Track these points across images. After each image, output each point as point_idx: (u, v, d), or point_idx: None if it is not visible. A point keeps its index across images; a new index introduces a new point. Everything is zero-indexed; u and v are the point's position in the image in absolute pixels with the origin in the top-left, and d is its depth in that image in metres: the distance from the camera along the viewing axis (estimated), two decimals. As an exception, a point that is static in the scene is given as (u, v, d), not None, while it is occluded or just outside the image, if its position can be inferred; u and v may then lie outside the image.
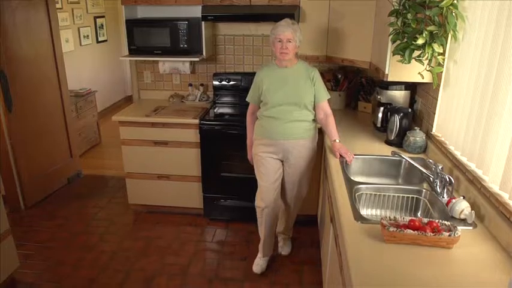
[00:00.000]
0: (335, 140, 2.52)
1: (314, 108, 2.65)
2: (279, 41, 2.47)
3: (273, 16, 3.11)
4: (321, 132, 2.87)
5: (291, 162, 2.70)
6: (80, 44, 6.13)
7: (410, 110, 2.64)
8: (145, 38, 3.39)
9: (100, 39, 6.72)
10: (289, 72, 2.59)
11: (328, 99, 2.66)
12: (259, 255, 2.92)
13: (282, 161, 2.73)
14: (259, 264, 2.89)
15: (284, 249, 3.09)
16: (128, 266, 2.99)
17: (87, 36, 6.32)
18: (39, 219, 3.64)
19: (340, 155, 2.41)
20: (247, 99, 2.76)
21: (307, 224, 3.38)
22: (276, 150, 2.65)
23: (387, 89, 2.83)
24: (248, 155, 2.87)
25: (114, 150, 5.14)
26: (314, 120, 2.68)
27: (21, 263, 2.89)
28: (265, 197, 2.71)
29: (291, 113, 2.56)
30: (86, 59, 6.31)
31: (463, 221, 1.68)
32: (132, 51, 3.45)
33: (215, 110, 3.53)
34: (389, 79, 2.44)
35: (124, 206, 3.79)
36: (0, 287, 2.67)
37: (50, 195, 4.08)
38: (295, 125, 2.59)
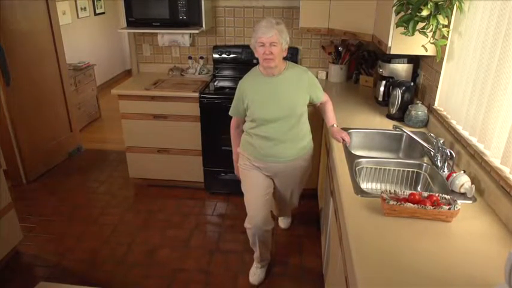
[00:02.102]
0: (333, 125, 2.39)
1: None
2: (261, 45, 2.10)
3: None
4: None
5: (282, 181, 2.48)
6: (77, 17, 6.02)
7: (412, 83, 2.61)
8: (143, 9, 3.32)
9: (98, 11, 6.60)
10: (277, 82, 2.23)
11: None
12: (256, 264, 2.62)
13: (271, 178, 2.47)
14: (256, 273, 2.59)
15: (284, 222, 3.12)
16: (130, 238, 3.03)
17: (85, 8, 6.20)
18: (41, 193, 3.67)
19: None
20: (230, 113, 2.42)
21: (307, 197, 3.40)
22: (266, 172, 2.40)
23: (389, 62, 2.79)
24: (235, 170, 2.62)
25: (114, 124, 5.14)
26: (309, 130, 2.44)
27: (25, 236, 2.94)
28: (255, 216, 2.36)
29: (285, 132, 2.25)
30: (84, 31, 6.21)
31: (463, 195, 1.69)
32: (131, 24, 3.39)
33: (215, 84, 3.50)
34: (392, 52, 2.40)
35: (125, 179, 3.81)
36: (4, 259, 2.72)
37: (51, 170, 4.09)
38: (289, 145, 2.30)
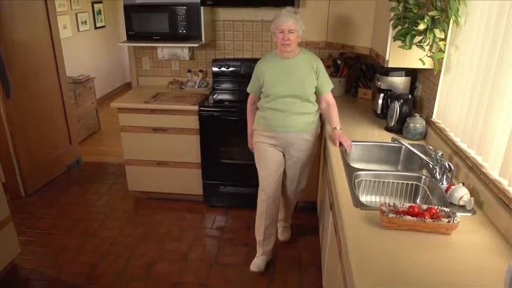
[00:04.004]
0: (336, 128, 2.49)
1: (316, 100, 2.60)
2: (281, 32, 2.39)
3: (272, 1, 3.09)
4: (321, 118, 2.85)
5: (292, 155, 2.66)
6: (78, 30, 6.07)
7: (410, 96, 2.62)
8: (143, 23, 3.36)
9: (98, 25, 6.65)
10: (291, 64, 2.51)
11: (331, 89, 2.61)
12: (258, 254, 2.79)
13: (283, 153, 2.68)
14: (256, 262, 2.75)
15: (283, 235, 3.10)
16: (129, 252, 3.01)
17: (85, 22, 6.26)
18: (39, 206, 3.66)
19: (340, 143, 2.38)
20: (247, 90, 2.70)
21: (307, 210, 3.40)
22: (278, 143, 2.61)
23: (387, 75, 2.80)
24: (249, 144, 2.82)
25: (113, 137, 5.14)
26: (317, 111, 2.63)
27: (23, 249, 2.92)
28: (266, 188, 2.65)
29: (294, 105, 2.50)
30: (84, 45, 6.25)
31: (462, 208, 1.69)
32: (131, 37, 3.42)
33: (214, 97, 3.51)
34: (390, 65, 2.42)
35: (124, 192, 3.80)
36: (2, 273, 2.70)
37: (50, 182, 4.08)
38: (298, 118, 2.53)
